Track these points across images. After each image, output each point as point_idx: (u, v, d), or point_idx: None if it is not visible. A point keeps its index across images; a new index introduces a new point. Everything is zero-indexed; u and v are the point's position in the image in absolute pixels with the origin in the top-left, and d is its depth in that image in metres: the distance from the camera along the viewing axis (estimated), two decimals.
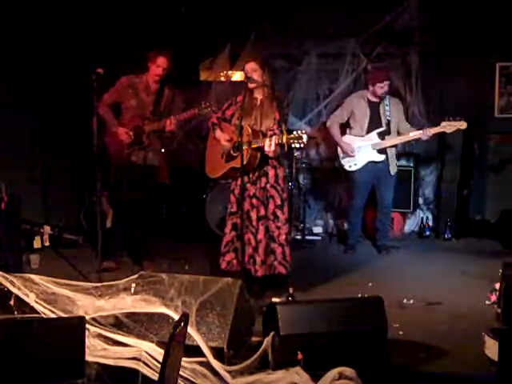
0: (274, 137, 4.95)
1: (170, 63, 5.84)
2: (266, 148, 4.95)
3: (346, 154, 6.68)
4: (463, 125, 6.25)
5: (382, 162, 6.65)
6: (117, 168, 5.94)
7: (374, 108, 6.64)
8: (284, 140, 4.84)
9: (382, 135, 6.60)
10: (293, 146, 4.84)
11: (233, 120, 5.27)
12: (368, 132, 6.64)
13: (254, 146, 5.02)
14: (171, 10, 7.69)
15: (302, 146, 4.83)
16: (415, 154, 7.80)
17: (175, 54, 6.01)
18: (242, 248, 4.95)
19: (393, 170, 6.71)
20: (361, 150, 6.65)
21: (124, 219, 6.10)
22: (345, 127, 6.87)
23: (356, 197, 6.88)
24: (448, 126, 6.26)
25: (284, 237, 5.20)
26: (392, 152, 6.70)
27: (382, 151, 6.63)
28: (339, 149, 6.74)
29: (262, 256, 5.15)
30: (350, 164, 6.73)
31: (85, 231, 7.12)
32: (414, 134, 6.51)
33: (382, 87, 6.52)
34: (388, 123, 6.60)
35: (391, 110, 6.63)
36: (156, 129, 5.84)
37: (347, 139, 6.72)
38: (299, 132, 4.81)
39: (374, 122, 6.62)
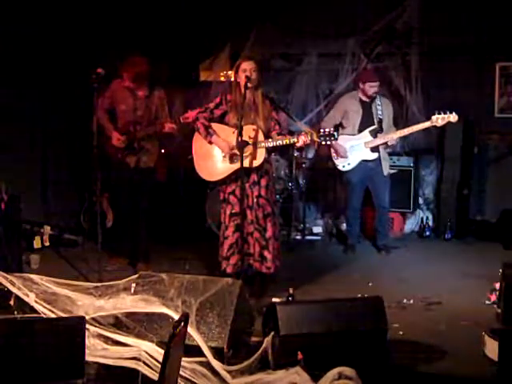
0: (303, 134, 5.04)
1: (142, 67, 5.75)
2: (299, 144, 5.09)
3: (340, 156, 6.67)
4: (454, 117, 6.26)
5: (374, 162, 6.64)
6: (115, 169, 5.96)
7: (367, 107, 6.65)
8: (315, 137, 5.01)
9: (374, 133, 6.62)
10: (323, 143, 5.06)
11: (229, 121, 5.19)
12: (360, 131, 6.65)
13: (285, 143, 5.06)
14: (171, 10, 7.69)
15: (332, 142, 5.14)
16: (415, 153, 7.79)
17: (170, 55, 5.94)
18: (242, 247, 4.94)
19: (385, 171, 6.71)
20: (354, 149, 6.65)
21: (125, 220, 6.10)
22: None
23: (351, 198, 6.89)
24: (439, 120, 6.29)
25: (278, 230, 5.38)
26: (384, 152, 6.71)
27: (374, 150, 6.64)
28: (332, 149, 6.72)
29: (272, 252, 5.18)
30: (344, 164, 6.71)
31: (85, 231, 7.11)
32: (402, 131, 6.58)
33: (372, 86, 6.56)
34: (380, 121, 6.62)
35: (383, 109, 6.66)
36: (150, 133, 5.84)
37: (340, 140, 6.69)
38: (328, 130, 5.03)
39: (366, 121, 6.63)
